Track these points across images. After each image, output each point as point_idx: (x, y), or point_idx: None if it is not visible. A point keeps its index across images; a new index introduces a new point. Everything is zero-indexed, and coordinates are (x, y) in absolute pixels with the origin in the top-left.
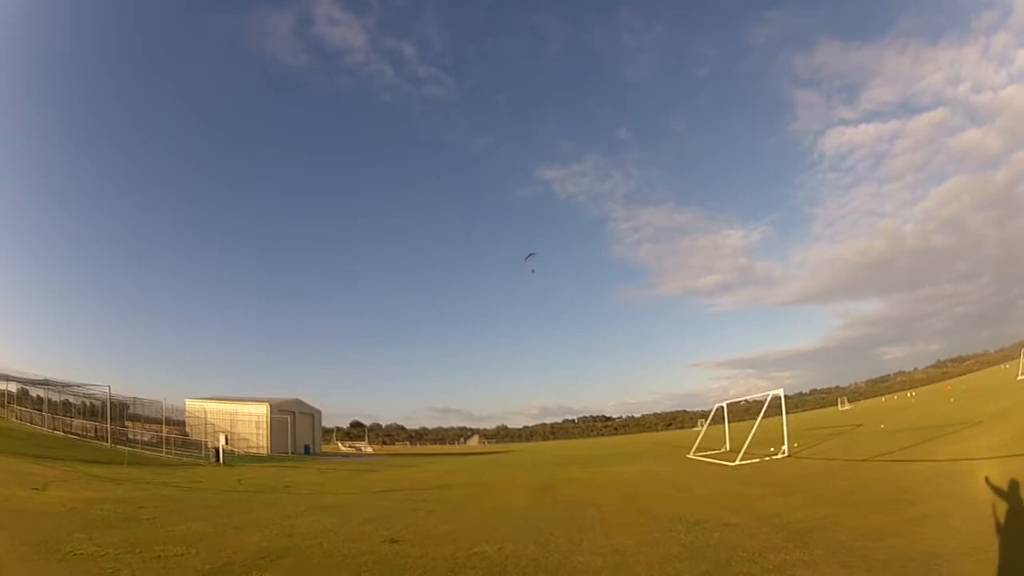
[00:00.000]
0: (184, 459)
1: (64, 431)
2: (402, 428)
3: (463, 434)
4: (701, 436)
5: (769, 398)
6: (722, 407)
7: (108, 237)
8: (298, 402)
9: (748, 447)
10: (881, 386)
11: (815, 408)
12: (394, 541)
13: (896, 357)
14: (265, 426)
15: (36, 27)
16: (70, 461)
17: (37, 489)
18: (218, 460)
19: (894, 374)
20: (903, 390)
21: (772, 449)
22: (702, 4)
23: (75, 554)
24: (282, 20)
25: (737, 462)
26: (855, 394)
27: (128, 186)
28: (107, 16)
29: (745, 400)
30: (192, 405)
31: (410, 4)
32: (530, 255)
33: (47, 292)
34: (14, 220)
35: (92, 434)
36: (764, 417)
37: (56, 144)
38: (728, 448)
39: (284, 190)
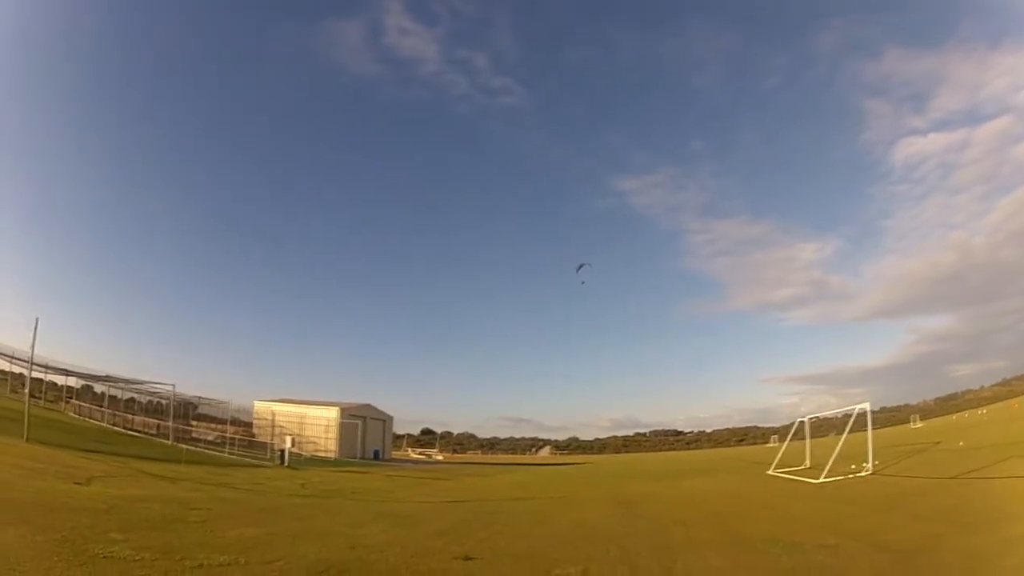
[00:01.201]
0: (248, 460)
1: (124, 427)
2: (473, 436)
3: (534, 444)
4: (781, 452)
5: (856, 413)
6: (803, 422)
7: (189, 240)
8: (369, 407)
9: (829, 464)
10: (950, 404)
11: (886, 426)
12: (468, 558)
13: (965, 374)
14: (335, 430)
15: (121, 42)
16: (123, 457)
17: (79, 483)
18: (283, 462)
19: (962, 392)
20: (971, 408)
21: (854, 466)
22: (769, 12)
23: (103, 556)
24: (352, 30)
25: (821, 479)
26: (925, 412)
27: (208, 189)
28: (181, 28)
29: (824, 415)
30: (260, 406)
31: (480, 15)
32: (582, 266)
33: (122, 290)
34: (92, 219)
35: (154, 431)
36: (838, 434)
37: (143, 149)
38: (809, 465)
39: (359, 199)
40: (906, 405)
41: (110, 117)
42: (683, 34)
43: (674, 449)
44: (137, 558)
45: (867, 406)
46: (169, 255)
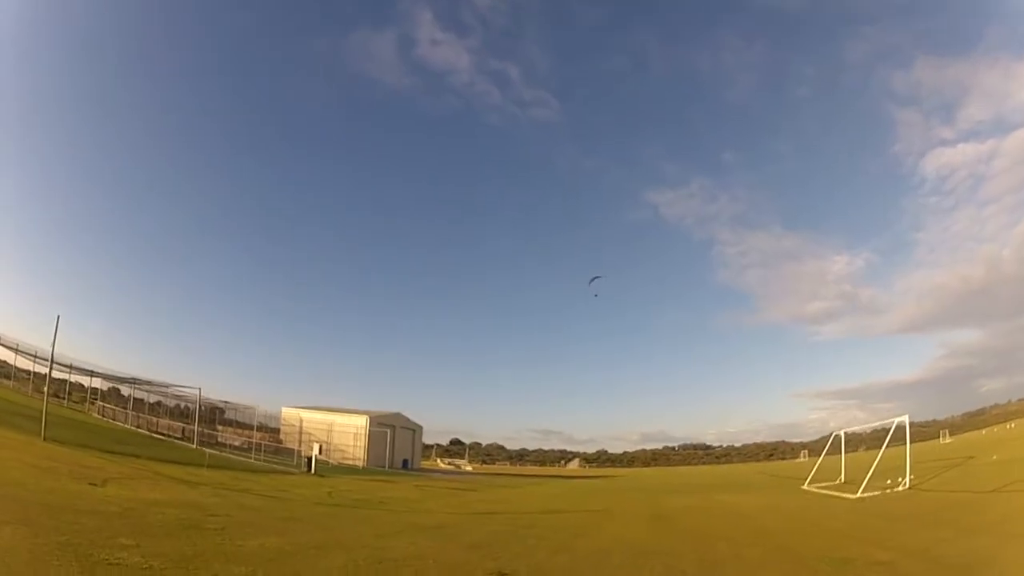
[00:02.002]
0: (274, 466)
1: (149, 429)
2: (502, 448)
3: (563, 456)
4: (816, 467)
5: (895, 426)
6: (838, 436)
7: (223, 249)
8: (399, 416)
9: (867, 479)
10: (978, 419)
11: (915, 441)
12: (503, 574)
13: (992, 389)
14: (363, 438)
15: (155, 53)
16: (143, 459)
17: (94, 484)
18: (310, 470)
19: (989, 407)
20: (998, 423)
21: (889, 481)
22: (798, 20)
23: (108, 563)
24: (384, 42)
25: (859, 494)
26: (953, 427)
27: (242, 199)
28: (214, 41)
29: (856, 430)
30: (288, 413)
31: (512, 26)
32: (595, 278)
33: (154, 295)
34: (128, 226)
35: (179, 435)
36: (867, 448)
37: (182, 159)
38: (844, 480)
39: (392, 211)
40: (934, 420)
41: (143, 126)
42: (714, 44)
43: (703, 463)
44: (145, 566)
45: (906, 419)
46: (206, 265)
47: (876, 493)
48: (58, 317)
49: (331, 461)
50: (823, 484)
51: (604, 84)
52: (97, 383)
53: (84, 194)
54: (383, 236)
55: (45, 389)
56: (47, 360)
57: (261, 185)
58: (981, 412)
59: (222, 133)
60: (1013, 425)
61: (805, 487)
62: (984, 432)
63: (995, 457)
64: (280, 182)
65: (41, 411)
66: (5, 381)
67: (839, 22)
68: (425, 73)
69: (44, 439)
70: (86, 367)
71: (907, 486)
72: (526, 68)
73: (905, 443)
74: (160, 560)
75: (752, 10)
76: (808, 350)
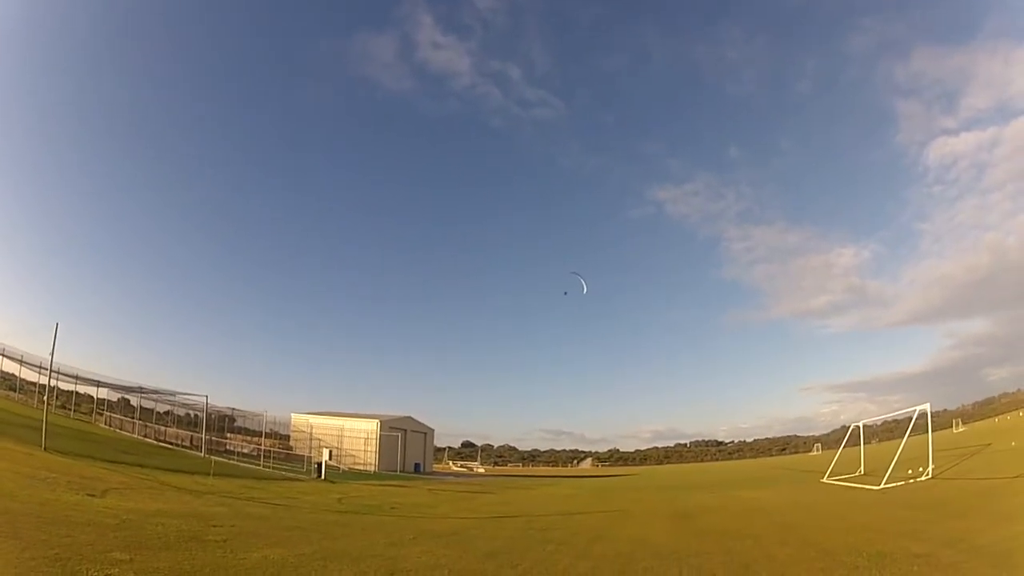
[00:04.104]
0: (283, 473)
1: (156, 439)
2: (514, 449)
3: (575, 456)
4: (835, 460)
5: (915, 415)
6: (856, 428)
7: (230, 255)
8: (410, 419)
9: (884, 469)
10: (988, 408)
11: (926, 433)
12: None
13: (1001, 378)
14: (374, 443)
15: (153, 53)
16: (148, 468)
17: (92, 495)
18: (320, 476)
19: (999, 396)
20: (1010, 411)
21: (910, 471)
22: (799, 13)
23: None
24: (384, 45)
25: (882, 485)
26: (965, 416)
27: (245, 205)
28: (214, 44)
29: (871, 421)
30: (298, 419)
31: (512, 27)
32: (573, 273)
33: (162, 304)
34: (131, 233)
35: (187, 443)
36: (880, 441)
37: (181, 163)
38: (863, 472)
39: (397, 214)
40: (945, 410)
41: (146, 129)
42: (715, 40)
43: (716, 459)
44: None
45: (927, 407)
46: (213, 272)
47: (899, 484)
48: (56, 324)
49: (342, 467)
50: (842, 477)
51: (606, 82)
52: (105, 394)
53: (88, 202)
54: (389, 239)
55: (45, 399)
56: (53, 371)
57: (265, 189)
58: (991, 401)
59: (226, 137)
60: None
61: (825, 480)
62: (996, 420)
63: (1013, 444)
64: (284, 186)
65: (43, 422)
66: (11, 394)
67: (839, 15)
68: (426, 76)
69: (45, 449)
70: (92, 378)
71: (929, 476)
72: (527, 68)
73: (921, 433)
74: None
75: (752, 4)
76: (816, 344)
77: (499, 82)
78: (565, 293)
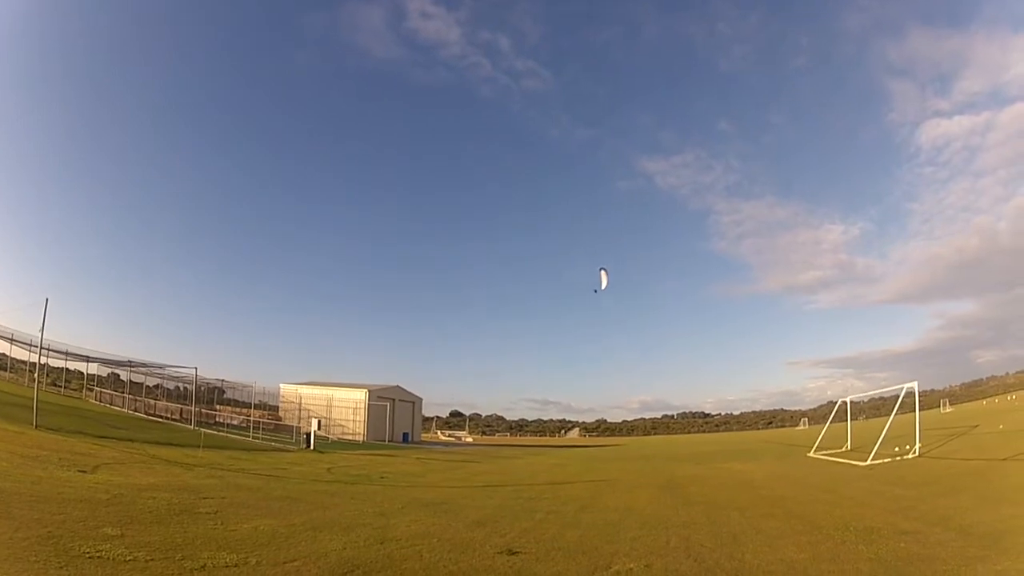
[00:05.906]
0: (272, 444)
1: (146, 412)
2: (502, 418)
3: (563, 426)
4: (823, 435)
5: (903, 393)
6: (843, 404)
7: (216, 224)
8: (398, 389)
9: (870, 445)
10: (975, 390)
11: (913, 411)
12: (512, 552)
13: (988, 360)
14: (362, 412)
15: (140, 29)
16: (138, 442)
17: (83, 471)
18: (308, 446)
19: (986, 378)
20: (997, 394)
21: (897, 448)
22: None
23: (89, 556)
24: (374, 14)
25: (869, 461)
26: (952, 397)
27: (233, 175)
28: (201, 14)
29: (858, 398)
30: (287, 389)
31: None
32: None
33: (149, 277)
34: (121, 209)
35: (177, 416)
36: (866, 417)
37: (168, 137)
38: (849, 447)
39: (385, 184)
40: (932, 390)
41: (130, 103)
42: (708, 14)
43: (703, 431)
44: (129, 558)
45: (915, 385)
46: (201, 244)
47: (886, 460)
48: (47, 300)
49: (330, 436)
50: (829, 451)
51: (597, 54)
52: (95, 369)
53: (75, 177)
54: (377, 209)
55: (36, 376)
56: (43, 349)
57: (252, 157)
58: (978, 383)
59: (213, 106)
60: (1014, 397)
61: (811, 454)
62: (984, 403)
63: (1002, 427)
64: (271, 154)
65: (33, 399)
66: (2, 372)
67: None
68: (416, 46)
69: (36, 427)
70: (82, 353)
71: (916, 454)
72: (517, 39)
73: (908, 411)
74: (145, 551)
75: None
76: (804, 319)
77: (489, 52)
78: (595, 291)
